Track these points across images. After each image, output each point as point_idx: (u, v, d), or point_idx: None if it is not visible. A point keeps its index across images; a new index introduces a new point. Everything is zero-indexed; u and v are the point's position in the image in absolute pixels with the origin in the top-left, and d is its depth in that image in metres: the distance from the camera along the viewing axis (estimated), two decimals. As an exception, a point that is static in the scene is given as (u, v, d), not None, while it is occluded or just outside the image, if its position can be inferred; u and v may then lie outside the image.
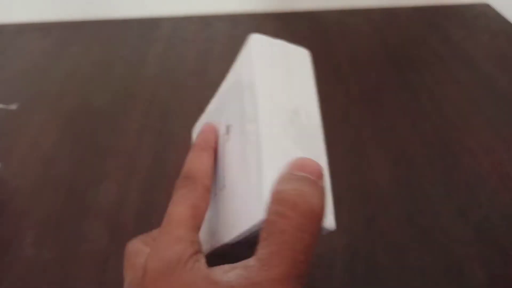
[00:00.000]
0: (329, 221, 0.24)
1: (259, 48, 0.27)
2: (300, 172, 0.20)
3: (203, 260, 0.20)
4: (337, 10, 0.72)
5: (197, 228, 0.22)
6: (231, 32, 0.67)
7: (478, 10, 0.72)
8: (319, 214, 0.19)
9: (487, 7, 0.73)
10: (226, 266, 0.19)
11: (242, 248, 0.23)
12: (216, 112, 0.29)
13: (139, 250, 0.23)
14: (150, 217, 0.37)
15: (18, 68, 0.59)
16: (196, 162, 0.25)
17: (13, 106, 0.47)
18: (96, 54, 0.62)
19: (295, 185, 0.19)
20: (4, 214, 0.39)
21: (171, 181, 0.38)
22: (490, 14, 0.70)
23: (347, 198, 0.39)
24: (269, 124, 0.23)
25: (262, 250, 0.18)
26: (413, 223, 0.36)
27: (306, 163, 0.20)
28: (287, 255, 0.18)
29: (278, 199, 0.19)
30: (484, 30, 0.66)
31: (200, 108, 0.51)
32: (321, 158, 0.23)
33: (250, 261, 0.18)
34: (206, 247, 0.26)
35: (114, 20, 0.71)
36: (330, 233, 0.22)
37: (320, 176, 0.20)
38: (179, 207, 0.23)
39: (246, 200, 0.23)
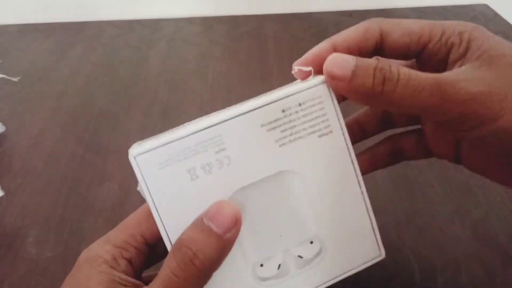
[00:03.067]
0: (375, 251, 0.26)
1: None
2: (208, 222, 0.21)
3: None
4: (336, 11, 0.73)
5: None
6: (232, 34, 0.67)
7: (476, 10, 0.72)
8: (203, 266, 0.20)
9: (486, 7, 0.73)
10: None
11: None
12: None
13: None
14: (151, 216, 0.38)
15: (20, 69, 0.59)
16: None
17: (15, 79, 0.47)
18: (98, 55, 0.63)
19: (194, 232, 0.21)
20: (6, 213, 0.39)
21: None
22: (488, 15, 0.71)
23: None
24: None
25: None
26: (411, 223, 0.37)
27: (219, 213, 0.21)
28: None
29: (178, 239, 0.21)
30: (482, 31, 0.66)
31: (200, 108, 0.52)
32: None
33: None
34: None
35: (116, 21, 0.72)
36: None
37: (227, 229, 0.21)
38: None
39: (356, 243, 0.25)
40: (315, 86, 0.23)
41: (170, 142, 0.22)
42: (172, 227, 0.22)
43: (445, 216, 0.37)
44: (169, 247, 0.22)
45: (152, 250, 0.25)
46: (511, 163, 0.24)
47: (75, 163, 0.44)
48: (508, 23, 0.68)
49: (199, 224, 0.21)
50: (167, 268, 0.21)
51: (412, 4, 0.74)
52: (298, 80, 0.25)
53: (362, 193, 0.26)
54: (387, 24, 0.24)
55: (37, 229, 0.38)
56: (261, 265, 0.24)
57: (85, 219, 0.38)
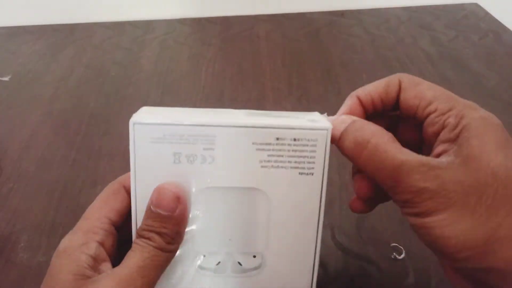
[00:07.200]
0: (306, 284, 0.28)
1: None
2: (155, 209, 0.24)
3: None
4: (328, 11, 0.73)
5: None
6: (224, 34, 0.67)
7: (467, 9, 0.73)
8: (165, 248, 0.24)
9: (476, 6, 0.74)
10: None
11: None
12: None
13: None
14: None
15: (11, 71, 0.59)
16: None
17: (6, 78, 0.47)
18: (89, 57, 0.62)
19: (149, 221, 0.24)
20: (-2, 218, 0.39)
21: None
22: (479, 14, 0.71)
23: (339, 197, 0.39)
24: None
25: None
26: (405, 223, 0.36)
27: (161, 198, 0.24)
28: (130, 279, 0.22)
29: (139, 230, 0.24)
30: (473, 29, 0.66)
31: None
32: None
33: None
34: None
35: (107, 23, 0.71)
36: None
37: (173, 209, 0.24)
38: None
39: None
40: (317, 130, 0.25)
41: (168, 124, 0.24)
42: (142, 197, 0.25)
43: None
44: (134, 214, 0.25)
45: (121, 229, 0.27)
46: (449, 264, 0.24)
47: (67, 167, 0.44)
48: (498, 22, 0.68)
49: (150, 213, 0.24)
50: (141, 242, 0.23)
51: (404, 4, 0.74)
52: (316, 113, 0.27)
53: (316, 237, 0.27)
54: (407, 81, 0.26)
55: (29, 234, 0.37)
56: (204, 256, 0.26)
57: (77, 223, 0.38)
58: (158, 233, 0.23)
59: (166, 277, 0.26)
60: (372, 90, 0.26)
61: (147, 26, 0.70)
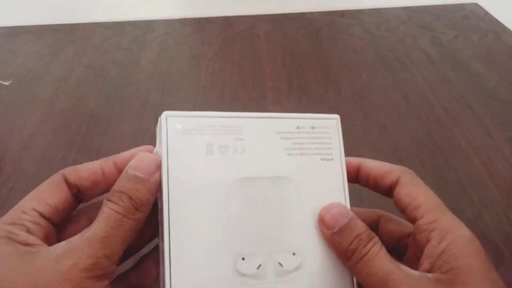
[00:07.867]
0: (348, 286, 0.27)
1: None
2: (133, 171, 0.23)
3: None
4: (328, 11, 0.73)
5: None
6: (224, 34, 0.67)
7: (467, 9, 0.73)
8: (132, 215, 0.22)
9: (476, 6, 0.74)
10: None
11: None
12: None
13: None
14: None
15: (11, 72, 0.59)
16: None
17: (6, 82, 0.47)
18: (89, 57, 0.62)
19: (123, 182, 0.23)
20: (-2, 218, 0.39)
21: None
22: (479, 14, 0.71)
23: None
24: None
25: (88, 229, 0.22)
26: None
27: (141, 161, 0.24)
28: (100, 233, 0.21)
29: (111, 190, 0.23)
30: (473, 29, 0.66)
31: (193, 109, 0.52)
32: None
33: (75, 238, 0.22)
34: None
35: (107, 23, 0.71)
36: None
37: (151, 173, 0.23)
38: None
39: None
40: (328, 119, 0.28)
41: (200, 116, 0.25)
42: (175, 190, 0.24)
43: (438, 215, 0.37)
44: (166, 207, 0.24)
45: (61, 223, 0.25)
46: None
47: (67, 167, 0.44)
48: (499, 22, 0.68)
49: (125, 175, 0.24)
50: (106, 209, 0.22)
51: (403, 4, 0.74)
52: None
53: None
54: (407, 178, 0.27)
55: (29, 234, 0.37)
56: (243, 259, 0.25)
57: (77, 223, 0.38)
58: (129, 196, 0.22)
59: (199, 285, 0.24)
60: (373, 167, 0.28)
61: (147, 26, 0.70)
